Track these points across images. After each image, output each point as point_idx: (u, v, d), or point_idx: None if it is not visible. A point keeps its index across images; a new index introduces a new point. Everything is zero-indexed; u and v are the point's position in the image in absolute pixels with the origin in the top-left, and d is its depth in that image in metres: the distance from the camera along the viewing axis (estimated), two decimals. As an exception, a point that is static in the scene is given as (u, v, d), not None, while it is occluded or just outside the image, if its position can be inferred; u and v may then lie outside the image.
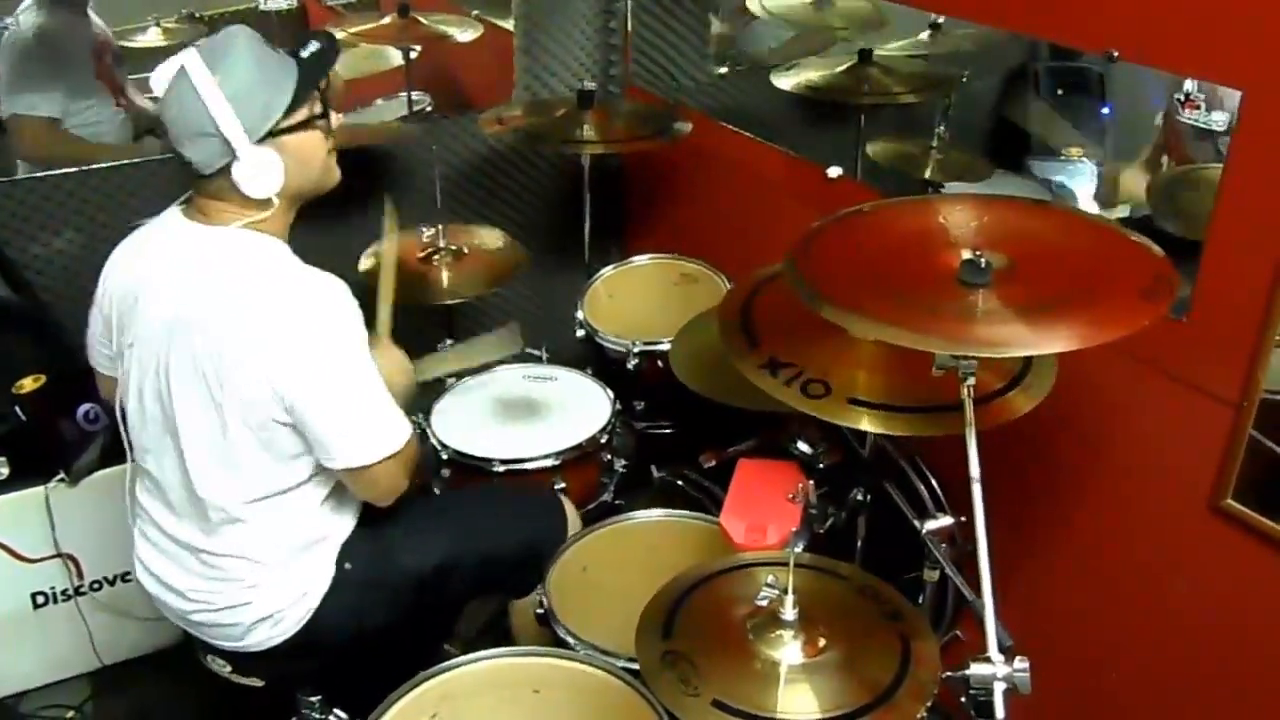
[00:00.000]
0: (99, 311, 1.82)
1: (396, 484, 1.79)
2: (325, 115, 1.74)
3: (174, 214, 1.75)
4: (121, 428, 1.81)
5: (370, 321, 1.89)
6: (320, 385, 1.65)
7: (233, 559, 1.76)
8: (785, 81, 2.63)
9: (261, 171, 1.65)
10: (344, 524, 1.85)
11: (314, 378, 1.65)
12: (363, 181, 2.43)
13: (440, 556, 1.93)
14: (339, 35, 3.05)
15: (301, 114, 1.69)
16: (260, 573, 1.77)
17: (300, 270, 1.70)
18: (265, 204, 1.69)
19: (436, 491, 2.32)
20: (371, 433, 1.71)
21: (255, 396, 1.64)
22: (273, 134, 1.65)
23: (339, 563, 1.83)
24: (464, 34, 3.11)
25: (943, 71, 2.45)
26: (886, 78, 2.55)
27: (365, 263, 2.60)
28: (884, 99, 2.55)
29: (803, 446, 2.04)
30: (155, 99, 1.70)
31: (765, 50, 3.03)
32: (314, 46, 1.72)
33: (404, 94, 3.37)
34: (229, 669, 1.89)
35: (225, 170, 1.65)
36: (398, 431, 1.74)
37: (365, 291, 1.88)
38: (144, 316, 1.71)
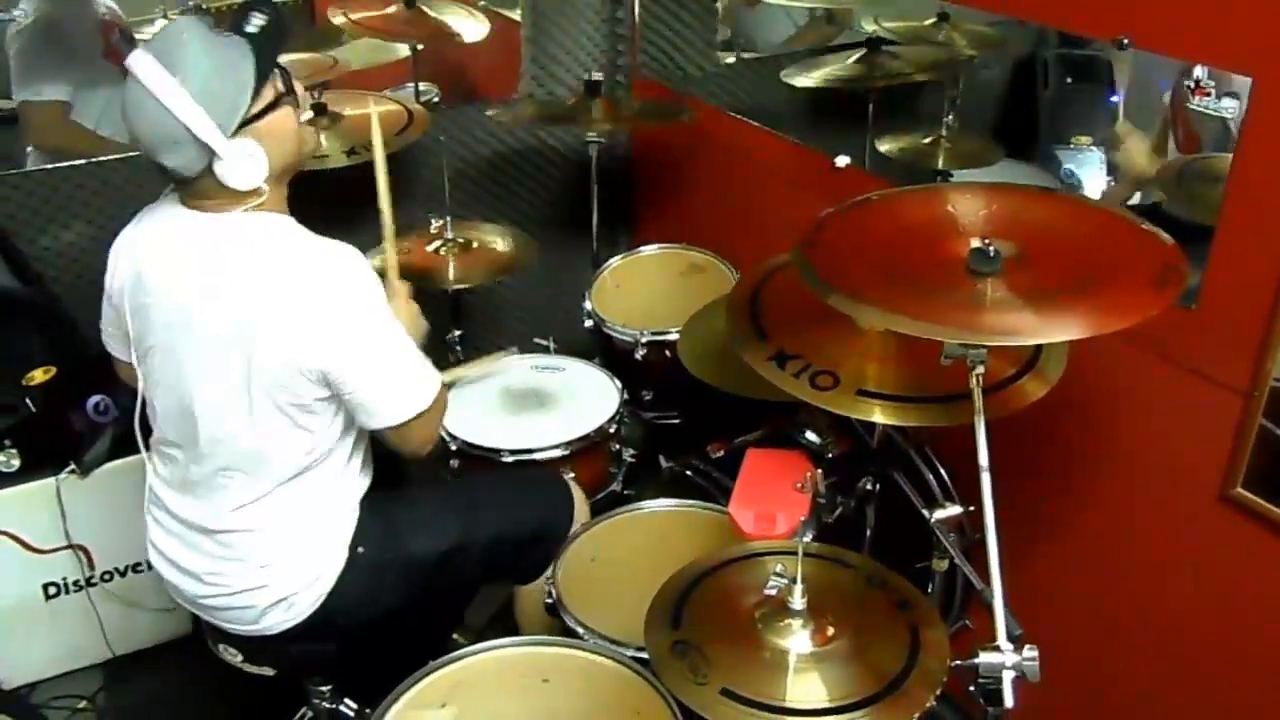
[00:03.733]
0: (109, 300, 1.83)
1: (431, 434, 1.86)
2: (291, 90, 1.71)
3: (173, 200, 1.74)
4: (136, 415, 1.83)
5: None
6: (352, 351, 1.68)
7: (246, 535, 1.77)
8: (796, 77, 2.62)
9: (243, 163, 1.63)
10: (355, 506, 1.87)
11: (345, 345, 1.67)
12: (371, 175, 2.43)
13: (451, 539, 1.94)
14: (340, 20, 3.07)
15: (267, 95, 1.65)
16: (273, 552, 1.78)
17: (312, 242, 1.71)
18: (255, 192, 1.68)
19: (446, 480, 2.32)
20: (406, 391, 1.76)
21: (285, 374, 1.66)
22: (245, 124, 1.63)
23: (352, 546, 1.84)
24: (470, 26, 3.11)
25: (950, 55, 2.43)
26: (894, 68, 2.54)
27: (373, 261, 2.60)
28: (894, 80, 2.53)
29: (811, 436, 2.04)
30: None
31: (773, 39, 3.03)
32: (259, 20, 1.65)
33: (410, 85, 3.37)
34: (240, 658, 1.90)
35: (208, 170, 1.63)
36: (430, 386, 1.79)
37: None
38: (159, 308, 1.72)
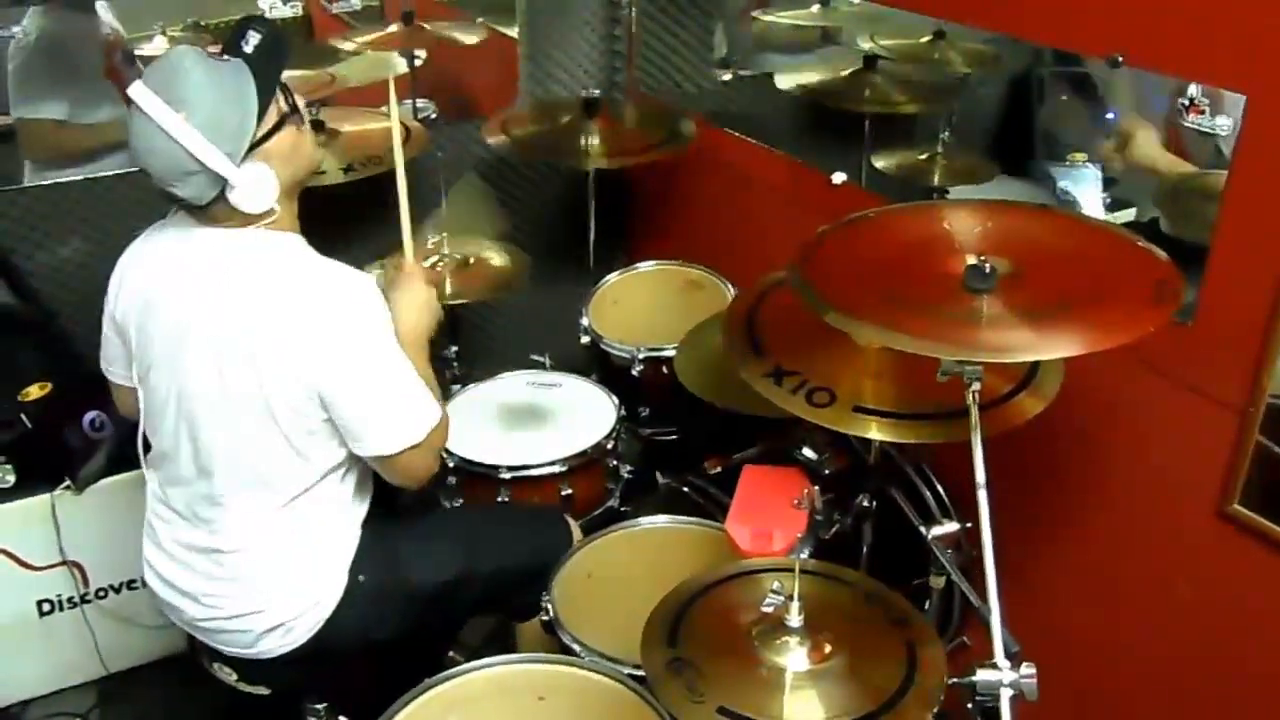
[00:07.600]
0: (111, 321, 1.82)
1: (427, 469, 1.83)
2: (295, 109, 1.72)
3: (183, 219, 1.75)
4: (140, 433, 1.83)
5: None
6: (348, 375, 1.68)
7: (244, 556, 1.77)
8: (789, 83, 2.63)
9: (256, 187, 1.65)
10: (357, 529, 1.86)
11: (342, 368, 1.67)
12: (368, 192, 2.43)
13: (452, 571, 1.93)
14: (342, 45, 3.10)
15: (272, 117, 1.67)
16: (272, 576, 1.77)
17: (321, 264, 1.72)
18: (269, 211, 1.70)
19: (442, 499, 2.32)
20: (399, 422, 1.74)
21: (285, 392, 1.66)
22: (253, 148, 1.64)
23: (352, 574, 1.83)
24: (469, 38, 3.13)
25: (947, 79, 2.45)
26: (890, 85, 2.55)
27: (373, 273, 2.61)
28: (888, 108, 2.55)
29: (808, 452, 2.04)
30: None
31: (770, 56, 3.04)
32: (255, 39, 1.66)
33: (409, 101, 3.38)
34: (235, 677, 1.89)
35: (220, 196, 1.64)
36: (424, 419, 1.76)
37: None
38: (162, 322, 1.72)
